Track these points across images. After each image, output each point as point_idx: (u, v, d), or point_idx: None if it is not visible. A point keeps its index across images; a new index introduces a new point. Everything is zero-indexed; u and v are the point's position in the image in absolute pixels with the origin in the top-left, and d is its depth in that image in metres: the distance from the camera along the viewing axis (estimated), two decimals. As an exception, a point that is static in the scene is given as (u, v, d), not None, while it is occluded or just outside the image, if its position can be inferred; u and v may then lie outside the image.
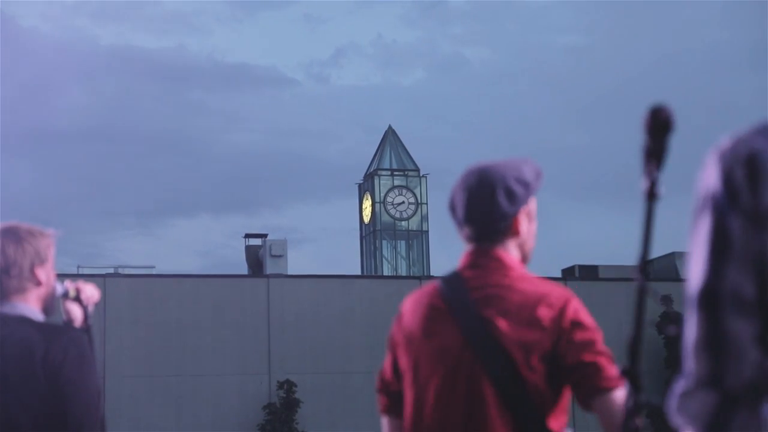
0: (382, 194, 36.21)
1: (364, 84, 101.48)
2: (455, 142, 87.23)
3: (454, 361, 2.70)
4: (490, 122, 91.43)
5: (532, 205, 2.85)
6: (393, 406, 3.07)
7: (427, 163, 36.88)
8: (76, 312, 3.46)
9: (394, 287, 28.16)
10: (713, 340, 1.37)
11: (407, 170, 36.61)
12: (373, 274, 34.92)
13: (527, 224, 2.85)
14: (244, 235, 31.52)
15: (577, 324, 2.68)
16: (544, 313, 2.68)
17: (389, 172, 36.58)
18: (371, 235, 36.50)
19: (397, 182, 36.45)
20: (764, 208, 1.37)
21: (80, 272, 23.22)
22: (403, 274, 35.18)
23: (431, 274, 33.48)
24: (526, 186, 2.82)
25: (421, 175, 36.58)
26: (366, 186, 37.02)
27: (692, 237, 1.45)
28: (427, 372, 2.76)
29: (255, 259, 30.46)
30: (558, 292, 2.73)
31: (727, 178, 1.40)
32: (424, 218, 36.45)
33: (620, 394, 2.55)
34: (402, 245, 36.69)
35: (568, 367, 2.65)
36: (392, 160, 36.91)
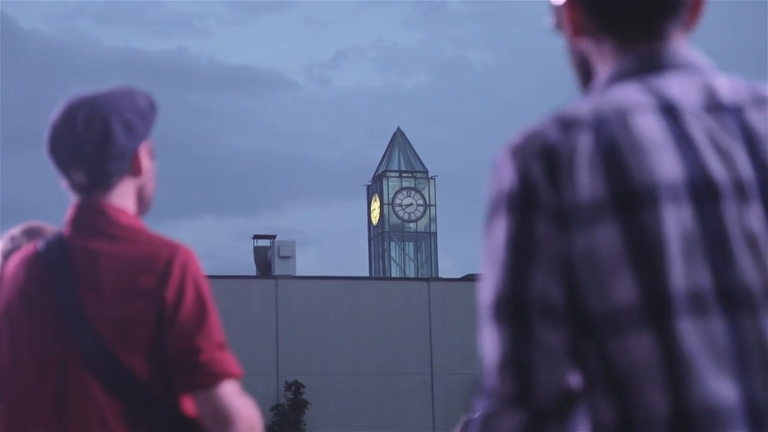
0: (391, 196, 36.21)
1: (365, 86, 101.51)
2: (459, 144, 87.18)
3: (46, 347, 2.27)
4: (493, 124, 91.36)
5: (150, 140, 2.43)
6: None
7: (432, 165, 36.84)
8: None
9: (402, 289, 28.16)
10: (520, 354, 1.26)
11: (416, 172, 36.60)
12: (382, 275, 34.93)
13: (148, 162, 2.41)
14: (252, 236, 31.53)
15: (181, 296, 2.21)
16: (146, 282, 2.22)
17: (398, 174, 36.58)
18: (379, 236, 36.50)
19: (405, 184, 36.44)
20: (567, 205, 1.26)
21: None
22: (411, 275, 35.17)
23: (439, 275, 33.48)
24: (144, 117, 2.40)
25: (429, 176, 36.57)
26: (374, 188, 37.02)
27: (486, 241, 1.31)
28: (21, 356, 2.30)
29: (263, 261, 30.47)
30: (167, 251, 2.26)
31: (524, 176, 1.28)
32: (433, 220, 36.44)
33: (225, 391, 2.19)
34: (410, 247, 36.69)
35: (168, 355, 2.20)
36: (401, 161, 36.92)
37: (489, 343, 1.30)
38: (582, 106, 1.33)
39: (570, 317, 1.27)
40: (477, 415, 1.30)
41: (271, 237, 30.76)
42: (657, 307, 1.24)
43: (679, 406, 1.23)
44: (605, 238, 1.25)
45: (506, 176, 1.30)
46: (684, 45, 1.40)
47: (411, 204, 36.31)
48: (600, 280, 1.25)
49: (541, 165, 1.28)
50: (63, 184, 2.39)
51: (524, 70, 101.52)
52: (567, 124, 1.30)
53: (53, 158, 2.38)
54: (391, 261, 36.37)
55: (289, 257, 29.04)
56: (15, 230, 3.28)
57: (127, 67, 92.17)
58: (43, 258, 2.34)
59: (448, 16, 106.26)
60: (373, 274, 35.39)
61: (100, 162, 2.32)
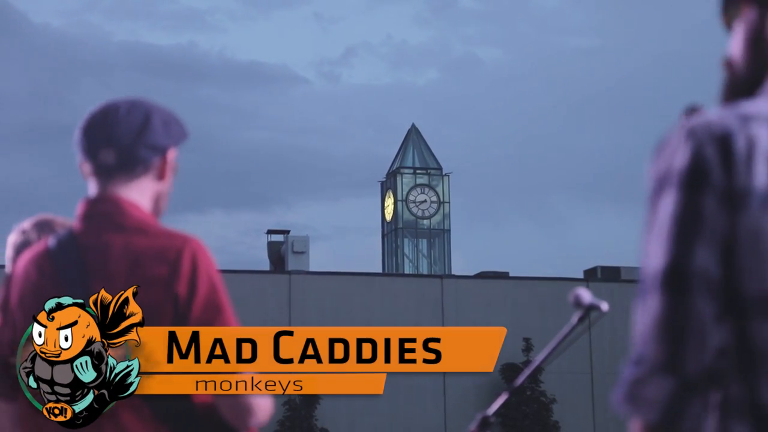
0: (405, 192, 36.19)
1: (375, 83, 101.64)
2: (472, 141, 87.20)
3: None
4: (505, 122, 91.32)
5: (172, 156, 2.43)
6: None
7: (444, 162, 36.80)
8: None
9: (415, 285, 28.15)
10: (678, 323, 1.33)
11: (430, 169, 36.58)
12: (395, 272, 34.92)
13: (171, 174, 2.42)
14: (266, 231, 31.56)
15: (194, 286, 2.22)
16: (159, 272, 2.22)
17: (412, 171, 36.56)
18: (393, 233, 36.49)
19: (419, 181, 36.42)
20: (737, 187, 1.34)
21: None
22: (425, 272, 35.16)
23: (452, 272, 33.45)
24: (180, 126, 2.43)
25: (443, 173, 36.54)
26: (388, 184, 37.02)
27: (654, 214, 1.39)
28: None
29: (277, 256, 30.50)
30: (178, 241, 2.26)
31: (698, 155, 1.36)
32: (446, 217, 36.42)
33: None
34: (424, 243, 36.67)
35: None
36: (415, 158, 36.90)
37: (648, 309, 1.36)
38: (761, 104, 1.43)
39: (723, 293, 1.34)
40: (623, 380, 1.36)
41: (285, 232, 30.79)
42: None
43: None
44: None
45: (679, 154, 1.39)
46: None
47: (425, 201, 36.29)
48: (761, 262, 1.34)
49: (715, 148, 1.37)
50: (84, 169, 2.38)
51: (535, 69, 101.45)
52: (747, 117, 1.40)
53: (84, 140, 2.37)
54: (405, 258, 36.36)
55: (302, 252, 29.06)
56: (26, 223, 3.27)
57: (138, 61, 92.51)
58: (54, 254, 2.33)
59: (459, 13, 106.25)
60: (386, 271, 35.38)
61: (133, 145, 2.33)
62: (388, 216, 36.94)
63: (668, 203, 1.37)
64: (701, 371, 1.32)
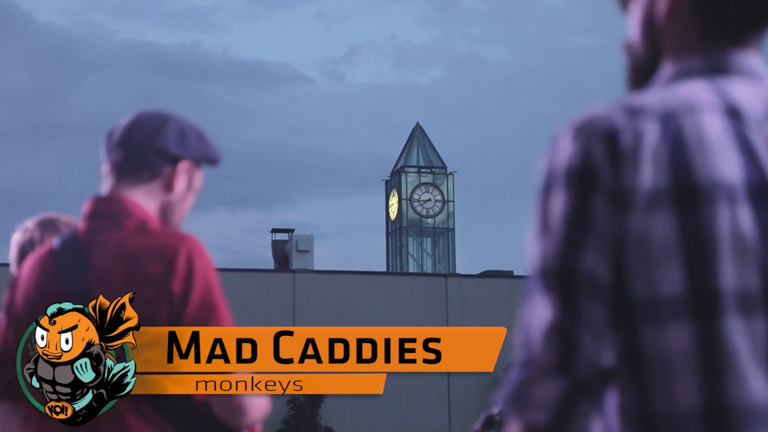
0: (409, 191, 36.21)
1: (379, 82, 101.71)
2: (476, 140, 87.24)
3: None
4: (509, 121, 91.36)
5: (199, 176, 2.45)
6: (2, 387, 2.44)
7: (448, 161, 36.90)
8: None
9: (420, 284, 28.16)
10: (567, 323, 1.28)
11: (434, 168, 36.59)
12: (399, 271, 34.94)
13: (185, 188, 2.41)
14: (270, 230, 31.60)
15: (189, 285, 2.22)
16: (155, 271, 2.22)
17: (416, 170, 36.57)
18: (397, 231, 36.51)
19: (423, 179, 36.43)
20: (626, 188, 1.28)
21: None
22: (429, 271, 35.17)
23: (457, 271, 33.45)
24: (202, 141, 2.44)
25: (448, 172, 36.55)
26: (393, 183, 37.03)
27: (541, 214, 1.33)
28: None
29: (281, 254, 30.53)
30: (174, 240, 2.27)
31: (585, 154, 1.30)
32: (451, 215, 36.43)
33: None
34: (428, 242, 36.69)
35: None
36: (419, 157, 36.91)
37: (535, 310, 1.32)
38: (650, 96, 1.36)
39: (612, 297, 1.29)
40: (509, 382, 1.31)
41: (290, 231, 30.81)
42: (703, 301, 1.26)
43: (714, 401, 1.25)
44: (661, 227, 1.27)
45: (566, 153, 1.33)
46: (754, 56, 1.43)
47: (429, 200, 36.30)
48: (649, 266, 1.28)
49: (603, 146, 1.30)
50: (104, 170, 2.43)
51: (539, 67, 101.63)
52: (634, 111, 1.33)
53: (105, 142, 2.43)
54: (409, 256, 36.37)
55: (307, 251, 29.08)
56: (30, 222, 3.29)
57: (142, 60, 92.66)
58: (57, 254, 2.35)
59: (462, 12, 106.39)
60: (390, 270, 35.40)
61: (141, 149, 2.37)
62: (393, 215, 36.95)
63: (556, 204, 1.31)
64: (592, 373, 1.28)
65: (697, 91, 1.35)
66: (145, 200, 2.36)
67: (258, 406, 2.23)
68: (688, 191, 1.28)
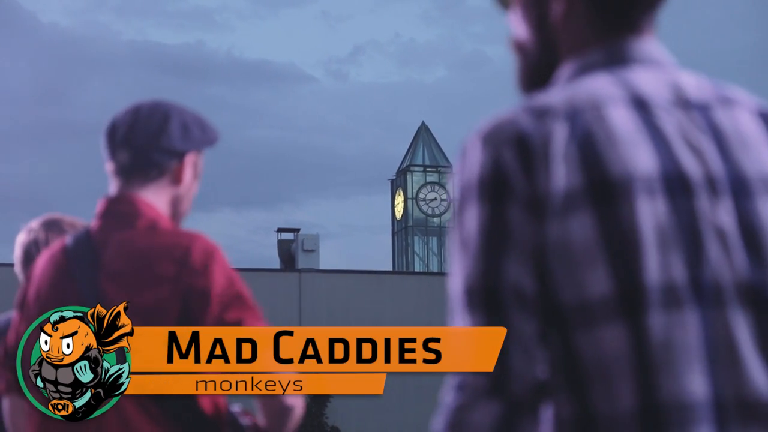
0: (415, 190, 36.23)
1: (384, 82, 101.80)
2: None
3: None
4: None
5: (201, 162, 2.47)
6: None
7: (454, 160, 36.94)
8: None
9: (426, 284, 28.17)
10: None
11: (440, 167, 36.60)
12: (405, 270, 34.95)
13: (191, 178, 2.44)
14: (276, 230, 31.64)
15: (208, 281, 2.25)
16: (166, 270, 2.25)
17: (422, 169, 36.59)
18: (403, 231, 36.52)
19: (429, 179, 36.44)
20: (541, 193, 1.24)
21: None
22: (435, 270, 35.18)
23: (463, 270, 33.45)
24: (204, 131, 2.45)
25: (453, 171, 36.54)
26: (398, 182, 37.06)
27: (457, 230, 1.30)
28: None
29: (287, 254, 30.56)
30: (186, 239, 2.29)
31: (496, 163, 1.26)
32: (457, 215, 36.41)
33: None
34: (434, 242, 36.69)
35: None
36: (425, 156, 36.92)
37: None
38: (554, 95, 1.33)
39: (540, 307, 1.26)
40: (446, 408, 1.28)
41: (295, 230, 30.85)
42: (630, 299, 1.23)
43: (648, 401, 1.22)
44: (580, 229, 1.24)
45: (477, 163, 1.29)
46: (652, 42, 1.40)
47: (435, 198, 36.31)
48: (573, 270, 1.24)
49: (513, 152, 1.27)
50: (108, 168, 2.43)
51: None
52: (540, 113, 1.29)
53: (107, 140, 2.42)
54: (415, 256, 36.39)
55: (312, 251, 29.11)
56: (34, 223, 3.31)
57: (146, 60, 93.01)
58: (70, 251, 2.38)
59: (466, 11, 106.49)
60: (396, 269, 35.42)
61: (147, 149, 2.37)
62: (398, 214, 36.96)
63: (471, 218, 1.28)
64: (527, 390, 1.24)
65: (600, 85, 1.32)
66: (155, 198, 2.38)
67: (300, 405, 2.27)
68: (603, 188, 1.24)
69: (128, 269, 2.28)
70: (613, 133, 1.27)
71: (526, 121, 1.28)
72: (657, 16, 1.41)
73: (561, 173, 1.25)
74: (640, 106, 1.31)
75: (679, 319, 1.23)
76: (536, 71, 1.45)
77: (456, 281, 1.31)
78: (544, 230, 1.25)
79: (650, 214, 1.24)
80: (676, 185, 1.26)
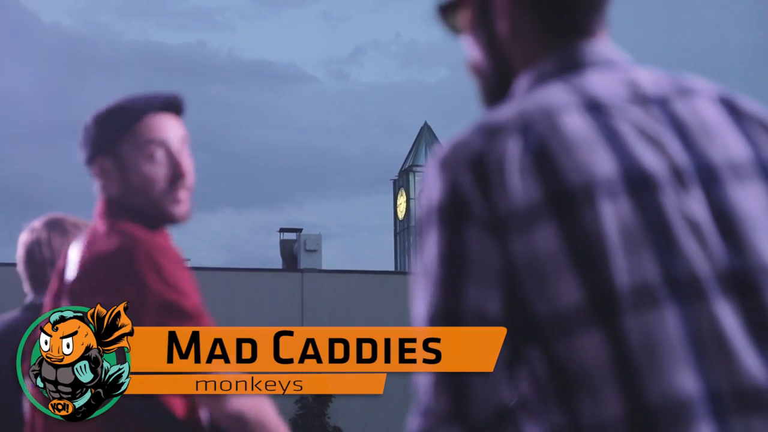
0: (417, 191, 36.18)
1: (385, 82, 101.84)
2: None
3: None
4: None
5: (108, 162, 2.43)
6: None
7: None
8: None
9: (428, 284, 28.16)
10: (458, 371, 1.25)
11: (442, 167, 36.63)
12: (407, 270, 34.95)
13: (117, 174, 2.42)
14: (279, 230, 31.66)
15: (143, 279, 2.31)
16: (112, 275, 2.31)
17: (424, 169, 36.60)
18: (405, 231, 36.53)
19: (432, 179, 36.47)
20: (501, 213, 1.23)
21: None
22: (437, 270, 35.17)
23: (465, 271, 33.50)
24: (100, 123, 2.46)
25: (456, 171, 36.60)
26: (401, 182, 37.07)
27: (420, 258, 1.29)
28: None
29: (289, 254, 30.57)
30: (132, 241, 2.31)
31: (453, 187, 1.26)
32: (459, 215, 36.46)
33: None
34: (436, 242, 36.69)
35: None
36: (427, 156, 36.92)
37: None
38: (506, 111, 1.31)
39: (510, 327, 1.24)
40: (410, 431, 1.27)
41: (298, 230, 30.86)
42: (603, 305, 1.21)
43: (636, 404, 1.19)
44: (544, 241, 1.22)
45: (435, 189, 1.28)
46: (604, 42, 1.39)
47: (437, 199, 36.34)
48: (543, 283, 1.22)
49: (469, 175, 1.26)
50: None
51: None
52: (492, 131, 1.28)
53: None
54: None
55: (315, 251, 29.12)
56: (37, 222, 3.31)
57: (147, 60, 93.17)
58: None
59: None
60: (398, 269, 35.43)
61: (81, 150, 2.47)
62: (401, 214, 36.97)
63: (432, 244, 1.27)
64: (490, 415, 1.23)
65: (552, 95, 1.31)
66: (100, 198, 2.44)
67: (252, 408, 2.30)
68: (563, 198, 1.23)
69: (82, 277, 2.34)
70: (568, 140, 1.26)
71: (478, 142, 1.28)
72: (606, 15, 1.39)
73: (519, 189, 1.24)
74: (595, 109, 1.30)
75: (657, 318, 1.20)
76: (496, 91, 1.44)
77: (419, 309, 1.30)
78: (508, 249, 1.23)
79: (614, 216, 1.23)
80: (638, 183, 1.25)
